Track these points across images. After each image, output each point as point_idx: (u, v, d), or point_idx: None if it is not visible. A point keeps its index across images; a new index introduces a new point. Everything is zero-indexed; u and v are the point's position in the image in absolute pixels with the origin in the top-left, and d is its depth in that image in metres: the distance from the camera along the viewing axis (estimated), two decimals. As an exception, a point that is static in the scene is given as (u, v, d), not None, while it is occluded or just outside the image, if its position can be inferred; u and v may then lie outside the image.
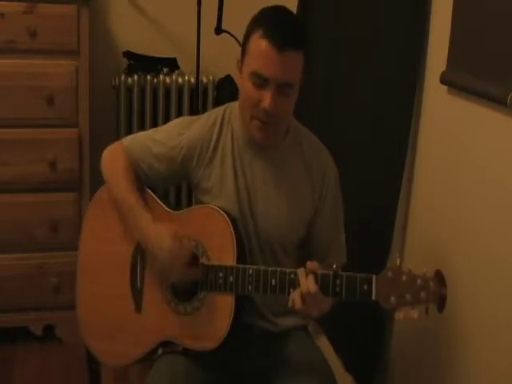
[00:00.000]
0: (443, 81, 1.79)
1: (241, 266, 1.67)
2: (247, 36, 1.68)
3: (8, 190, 2.76)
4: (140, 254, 1.82)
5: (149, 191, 1.86)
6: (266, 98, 1.63)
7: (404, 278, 1.49)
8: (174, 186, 3.18)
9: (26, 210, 2.79)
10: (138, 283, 1.82)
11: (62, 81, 2.70)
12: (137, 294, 1.82)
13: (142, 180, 1.86)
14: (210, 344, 1.70)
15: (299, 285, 1.57)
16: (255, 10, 1.72)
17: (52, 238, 2.82)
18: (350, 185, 1.93)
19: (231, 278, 1.67)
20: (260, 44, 1.63)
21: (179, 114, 3.12)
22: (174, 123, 1.89)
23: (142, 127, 3.05)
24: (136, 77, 3.07)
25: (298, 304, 1.57)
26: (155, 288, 1.79)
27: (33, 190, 2.78)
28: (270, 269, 1.64)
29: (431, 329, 1.85)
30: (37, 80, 2.68)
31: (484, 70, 1.63)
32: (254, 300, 1.78)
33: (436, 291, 1.47)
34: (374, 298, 1.51)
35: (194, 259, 1.73)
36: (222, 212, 1.73)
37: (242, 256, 1.70)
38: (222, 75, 3.20)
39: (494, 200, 1.62)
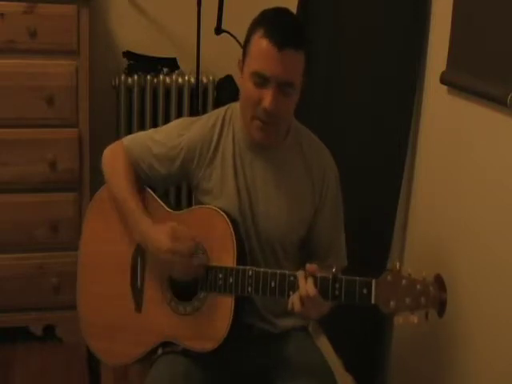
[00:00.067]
0: (443, 81, 1.79)
1: (240, 267, 1.67)
2: (248, 37, 1.69)
3: (8, 190, 2.76)
4: (140, 253, 1.82)
5: (149, 190, 1.86)
6: (267, 97, 1.63)
7: (404, 282, 1.48)
8: (174, 186, 3.18)
9: (26, 210, 2.79)
10: (139, 283, 1.82)
11: (62, 81, 2.70)
12: (137, 294, 1.82)
13: (142, 180, 1.86)
14: (209, 344, 1.70)
15: (298, 287, 1.57)
16: (255, 10, 1.73)
17: (52, 238, 2.82)
18: (350, 185, 1.93)
19: (231, 280, 1.67)
20: (261, 43, 1.63)
21: (179, 114, 3.12)
22: (174, 124, 1.89)
23: (142, 127, 3.04)
24: (136, 77, 3.07)
25: (298, 307, 1.57)
26: (155, 288, 1.79)
27: (33, 189, 2.78)
28: (269, 271, 1.64)
29: (431, 329, 1.84)
30: (37, 80, 2.68)
31: (484, 70, 1.63)
32: (254, 301, 1.78)
33: (436, 296, 1.47)
34: (373, 301, 1.50)
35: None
36: (222, 213, 1.73)
37: (242, 257, 1.70)
38: (222, 75, 3.20)
39: (493, 200, 1.62)
